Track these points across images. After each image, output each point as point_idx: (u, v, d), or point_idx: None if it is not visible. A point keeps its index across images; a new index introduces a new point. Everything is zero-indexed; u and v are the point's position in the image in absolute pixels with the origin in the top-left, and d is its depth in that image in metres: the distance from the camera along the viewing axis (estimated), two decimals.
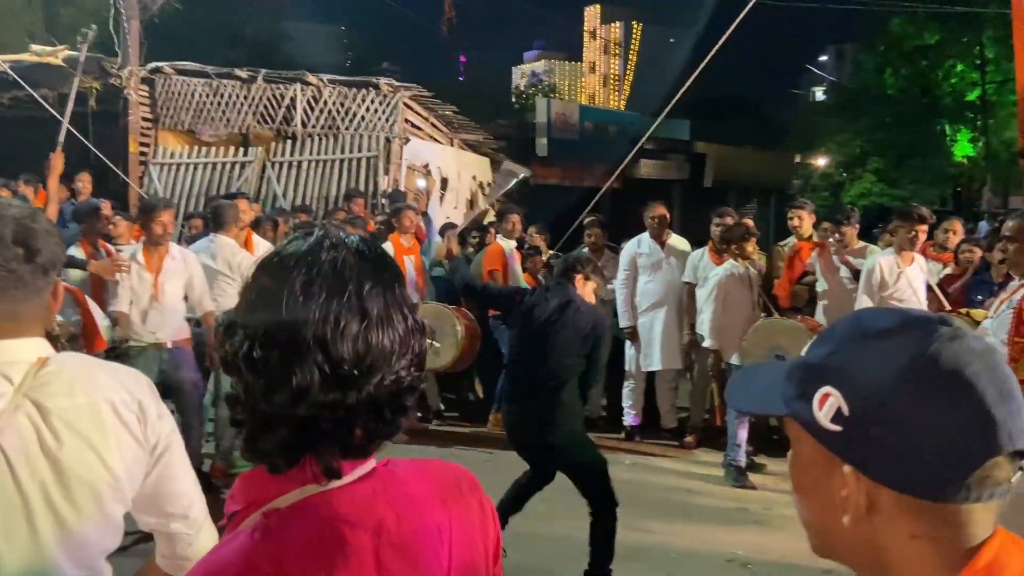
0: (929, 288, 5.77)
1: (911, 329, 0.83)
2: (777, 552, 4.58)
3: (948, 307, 5.43)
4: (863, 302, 5.46)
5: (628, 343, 6.98)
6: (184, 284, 5.30)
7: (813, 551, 0.92)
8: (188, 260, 5.37)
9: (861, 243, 6.28)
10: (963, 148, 26.98)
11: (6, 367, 1.32)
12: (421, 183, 11.03)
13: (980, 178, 25.70)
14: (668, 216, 6.98)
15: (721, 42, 6.47)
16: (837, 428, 0.82)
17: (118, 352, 5.02)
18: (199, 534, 1.53)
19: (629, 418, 7.02)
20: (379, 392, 0.95)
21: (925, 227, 5.54)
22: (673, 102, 7.43)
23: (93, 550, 1.37)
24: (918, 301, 5.42)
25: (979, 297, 5.29)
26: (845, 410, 0.82)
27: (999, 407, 0.78)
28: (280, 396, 0.92)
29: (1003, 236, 4.15)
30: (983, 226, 12.23)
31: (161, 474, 1.45)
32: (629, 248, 6.97)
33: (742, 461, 5.83)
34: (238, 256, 5.79)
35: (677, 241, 6.96)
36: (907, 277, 5.43)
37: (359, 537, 0.94)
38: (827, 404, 0.83)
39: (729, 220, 6.58)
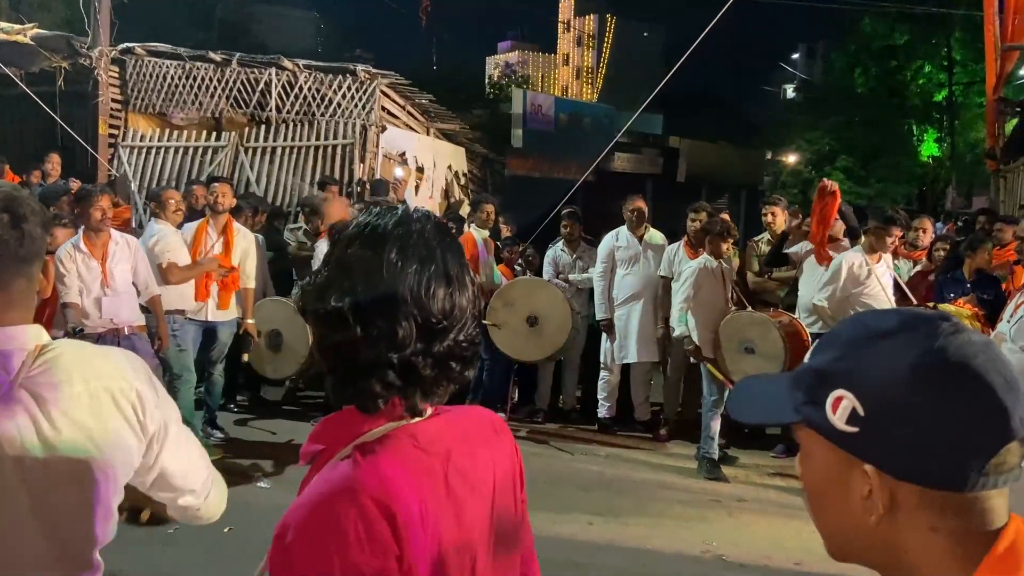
0: (897, 285, 5.89)
1: (914, 327, 0.85)
2: (750, 543, 4.65)
3: (915, 303, 5.54)
4: (825, 297, 5.57)
5: (604, 336, 7.03)
6: (131, 268, 5.26)
7: (829, 555, 0.93)
8: (132, 245, 5.34)
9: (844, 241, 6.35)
10: (929, 148, 27.44)
11: (2, 355, 1.30)
12: (399, 172, 10.96)
13: (945, 178, 26.16)
14: (646, 210, 7.02)
15: (699, 40, 6.50)
16: (854, 429, 0.84)
17: (67, 331, 4.97)
18: (206, 500, 1.57)
19: (603, 410, 7.06)
20: (456, 344, 1.12)
21: (902, 232, 5.71)
22: (650, 97, 7.45)
23: (86, 543, 1.35)
24: (887, 298, 5.53)
25: (951, 295, 5.40)
26: (860, 411, 0.83)
27: (1008, 395, 0.81)
28: (385, 345, 1.07)
29: (1019, 236, 4.25)
30: (939, 226, 12.46)
31: (163, 459, 1.44)
32: (607, 241, 7.01)
33: (715, 454, 5.90)
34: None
35: (654, 235, 7.01)
36: (876, 275, 5.55)
37: (433, 463, 1.12)
38: (841, 407, 0.84)
39: (704, 216, 6.63)
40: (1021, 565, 0.82)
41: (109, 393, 1.34)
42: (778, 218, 6.78)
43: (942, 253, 6.12)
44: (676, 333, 6.08)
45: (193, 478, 1.52)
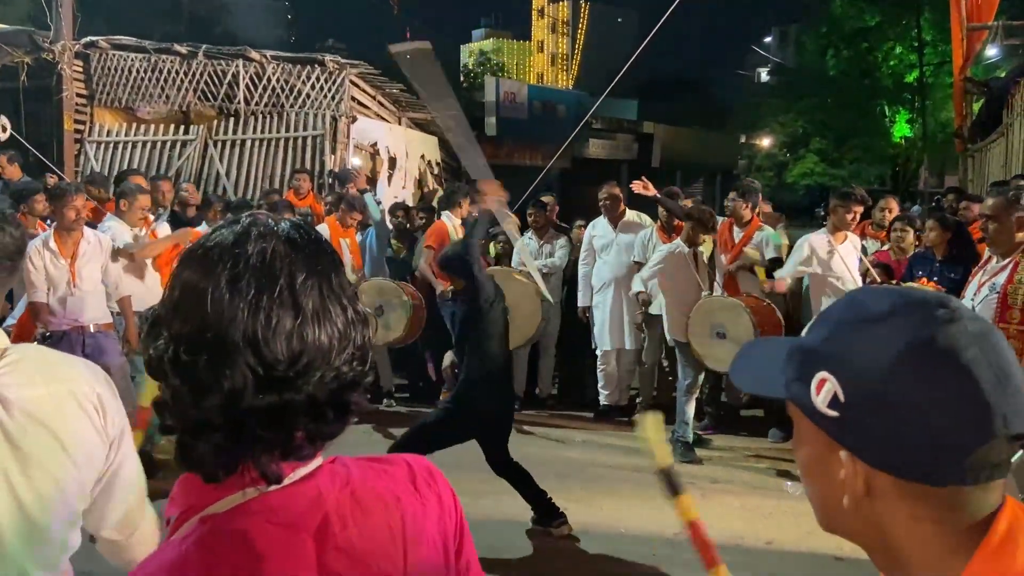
0: (864, 268, 5.92)
1: (908, 313, 0.82)
2: (724, 525, 4.68)
3: (879, 282, 5.57)
4: (785, 271, 5.63)
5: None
6: (101, 267, 5.20)
7: (820, 527, 0.92)
8: (103, 243, 5.29)
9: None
10: (901, 129, 27.70)
11: None
12: (356, 161, 10.85)
13: (917, 158, 26.41)
14: (619, 193, 7.02)
15: (663, 19, 6.48)
16: (834, 414, 0.82)
17: (36, 337, 4.92)
18: (132, 539, 1.53)
19: (604, 398, 7.05)
20: (319, 391, 0.89)
21: (861, 208, 5.70)
22: (617, 78, 7.44)
23: (56, 546, 1.35)
24: (852, 278, 5.57)
25: (919, 273, 5.44)
26: (841, 396, 0.81)
27: (995, 392, 0.77)
28: (211, 401, 0.86)
29: (983, 214, 4.25)
30: (916, 209, 12.57)
31: (119, 464, 1.44)
32: (588, 230, 7.10)
33: (689, 437, 5.93)
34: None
35: (634, 216, 6.99)
36: (839, 255, 5.59)
37: (301, 541, 0.89)
38: (824, 389, 0.83)
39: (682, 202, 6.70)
40: (1018, 555, 0.79)
41: (73, 396, 1.35)
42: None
43: (899, 233, 6.13)
44: (633, 291, 6.18)
45: (137, 492, 1.52)
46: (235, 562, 0.86)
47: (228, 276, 0.87)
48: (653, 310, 6.41)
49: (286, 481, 0.91)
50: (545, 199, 7.75)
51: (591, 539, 4.49)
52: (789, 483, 5.36)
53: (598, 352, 7.06)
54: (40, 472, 1.29)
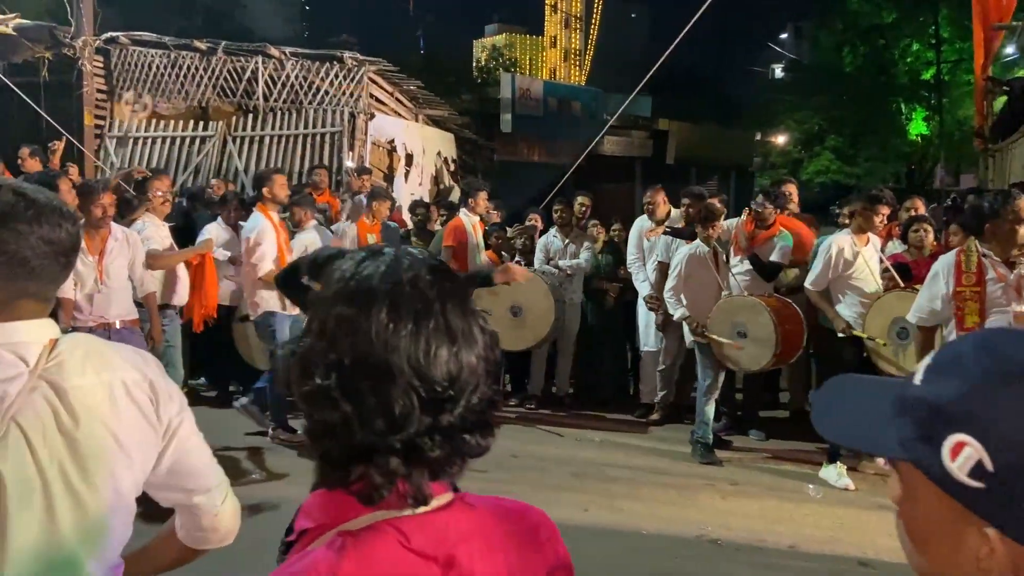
0: (884, 267, 5.88)
1: None
2: (743, 528, 4.68)
3: (903, 285, 5.53)
4: (819, 280, 5.55)
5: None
6: (128, 264, 5.25)
7: None
8: (131, 240, 5.32)
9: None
10: (917, 127, 27.47)
11: (21, 348, 1.31)
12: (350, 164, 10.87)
13: (933, 156, 26.22)
14: (657, 201, 6.95)
15: (691, 24, 6.47)
16: (978, 484, 0.71)
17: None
18: (223, 505, 1.54)
19: (644, 395, 7.16)
20: (468, 411, 0.94)
21: (888, 210, 5.64)
22: (643, 82, 7.43)
23: (110, 536, 1.36)
24: (874, 280, 5.54)
25: None
26: (988, 465, 0.71)
27: None
28: (383, 424, 0.90)
29: None
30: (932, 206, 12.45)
31: (177, 451, 1.45)
32: (635, 229, 7.07)
33: (709, 438, 5.93)
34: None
35: (677, 215, 6.91)
36: (863, 257, 5.54)
37: (430, 569, 0.92)
38: (963, 455, 0.72)
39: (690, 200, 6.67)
40: None
41: (123, 385, 1.36)
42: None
43: (921, 234, 6.05)
44: (676, 316, 6.08)
45: (207, 476, 1.52)
46: (376, 574, 0.90)
47: (388, 305, 0.92)
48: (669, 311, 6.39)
49: (422, 509, 0.94)
50: (581, 199, 7.71)
51: (610, 540, 4.50)
52: (811, 486, 5.35)
53: (642, 351, 7.12)
54: (93, 462, 1.31)
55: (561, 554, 1.07)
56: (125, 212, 6.04)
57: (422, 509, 0.94)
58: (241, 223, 6.46)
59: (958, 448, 0.72)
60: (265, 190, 5.99)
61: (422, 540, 0.93)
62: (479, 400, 0.95)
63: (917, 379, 0.79)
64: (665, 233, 6.62)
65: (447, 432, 0.93)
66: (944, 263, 4.22)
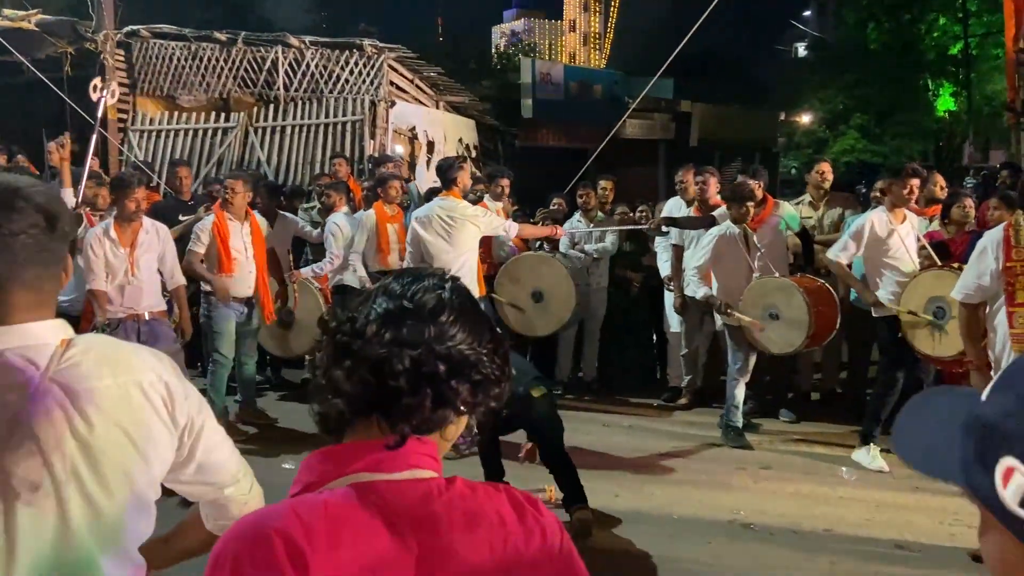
0: (921, 245, 5.75)
1: None
2: (777, 512, 4.62)
3: (940, 263, 5.40)
4: (843, 252, 5.42)
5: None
6: (158, 256, 5.28)
7: None
8: (161, 233, 5.37)
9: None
10: (945, 103, 26.96)
11: (31, 351, 1.29)
12: (399, 149, 10.84)
13: (962, 133, 25.72)
14: (686, 177, 6.87)
15: (712, 5, 6.35)
16: None
17: (95, 326, 5.01)
18: (251, 492, 1.55)
19: (673, 379, 7.16)
20: (454, 353, 1.04)
21: (917, 181, 5.48)
22: (666, 64, 7.31)
23: (127, 537, 1.34)
24: (911, 259, 5.41)
25: None
26: None
27: None
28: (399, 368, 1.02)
29: None
30: (968, 181, 12.22)
31: (204, 450, 1.44)
32: (665, 209, 7.06)
33: (739, 422, 5.86)
34: None
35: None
36: (899, 235, 5.41)
37: (403, 534, 0.98)
38: (1013, 482, 0.63)
39: (712, 179, 6.57)
40: None
41: (138, 387, 1.34)
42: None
43: (966, 210, 5.89)
44: (699, 295, 5.99)
45: (232, 469, 1.52)
46: (351, 529, 0.97)
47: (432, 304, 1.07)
48: (689, 293, 6.28)
49: (404, 474, 1.01)
50: (604, 183, 7.65)
51: (643, 525, 4.45)
52: (844, 469, 5.27)
53: (668, 333, 7.12)
54: (109, 466, 1.29)
55: (549, 534, 1.10)
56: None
57: (404, 475, 1.01)
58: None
59: (1008, 473, 0.63)
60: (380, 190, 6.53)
61: (398, 505, 0.99)
62: (473, 354, 1.05)
63: (984, 394, 0.70)
64: (665, 223, 6.47)
65: (429, 378, 1.02)
66: (991, 238, 4.09)
